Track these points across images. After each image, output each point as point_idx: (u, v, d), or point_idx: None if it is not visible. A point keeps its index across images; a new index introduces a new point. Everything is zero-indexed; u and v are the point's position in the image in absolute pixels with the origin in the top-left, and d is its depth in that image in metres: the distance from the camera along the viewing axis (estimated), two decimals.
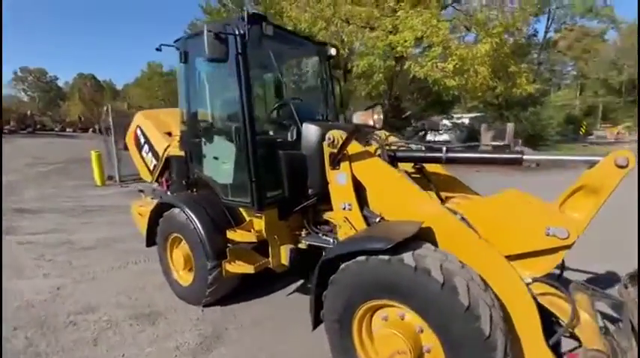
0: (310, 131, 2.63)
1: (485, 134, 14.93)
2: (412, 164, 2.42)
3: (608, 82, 47.25)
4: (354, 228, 2.19)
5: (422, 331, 1.60)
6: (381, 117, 1.70)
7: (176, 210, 2.86)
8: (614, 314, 1.97)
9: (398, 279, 1.55)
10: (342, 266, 1.75)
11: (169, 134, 3.32)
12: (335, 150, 2.19)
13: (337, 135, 2.17)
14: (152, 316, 2.79)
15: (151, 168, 3.53)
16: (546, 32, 20.35)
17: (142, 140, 3.59)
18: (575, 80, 42.71)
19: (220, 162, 2.76)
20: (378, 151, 2.25)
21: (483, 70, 12.14)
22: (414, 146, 2.31)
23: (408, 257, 1.54)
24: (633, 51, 48.14)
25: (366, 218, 2.18)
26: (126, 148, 9.38)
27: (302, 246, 2.77)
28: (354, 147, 2.14)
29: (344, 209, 2.25)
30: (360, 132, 2.17)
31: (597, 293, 2.04)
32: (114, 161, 9.38)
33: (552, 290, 1.92)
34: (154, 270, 3.48)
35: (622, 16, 18.53)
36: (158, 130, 3.49)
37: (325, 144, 2.24)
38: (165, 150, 3.32)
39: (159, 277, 3.29)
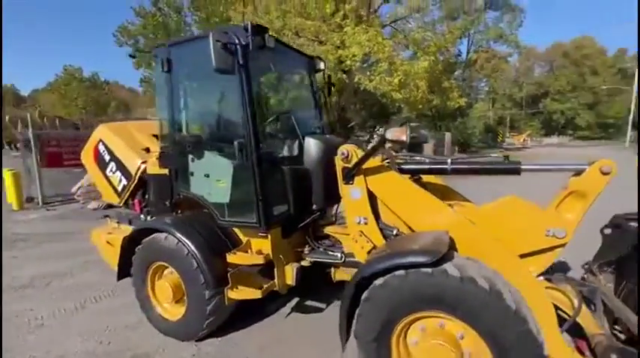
0: (313, 145, 2.60)
1: (428, 141, 16.32)
2: (409, 176, 2.53)
3: (512, 96, 55.76)
4: (371, 242, 2.21)
5: (462, 337, 1.67)
6: (410, 134, 1.75)
7: (161, 235, 2.54)
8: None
9: (443, 291, 1.60)
10: (379, 282, 1.74)
11: (147, 150, 2.95)
12: (349, 165, 2.19)
13: (352, 149, 2.18)
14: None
15: (119, 188, 3.09)
16: (468, 53, 23.28)
17: (107, 157, 3.12)
18: (488, 95, 49.11)
19: (213, 180, 2.55)
20: (387, 164, 2.31)
21: (422, 85, 13.36)
22: (418, 158, 2.40)
23: (450, 267, 1.60)
24: (530, 72, 57.64)
25: (381, 231, 2.21)
26: (50, 166, 8.13)
27: (305, 263, 2.69)
28: (370, 162, 2.17)
29: (359, 223, 2.25)
30: (384, 148, 2.20)
31: (575, 281, 2.35)
32: (36, 180, 8.02)
33: (549, 283, 2.18)
34: (123, 307, 3.05)
35: (524, 43, 22.21)
36: (128, 145, 3.08)
37: (339, 158, 2.23)
38: (140, 168, 2.95)
39: (131, 315, 2.88)
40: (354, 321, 1.84)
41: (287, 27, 12.87)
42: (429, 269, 1.62)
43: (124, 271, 2.81)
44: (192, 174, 2.63)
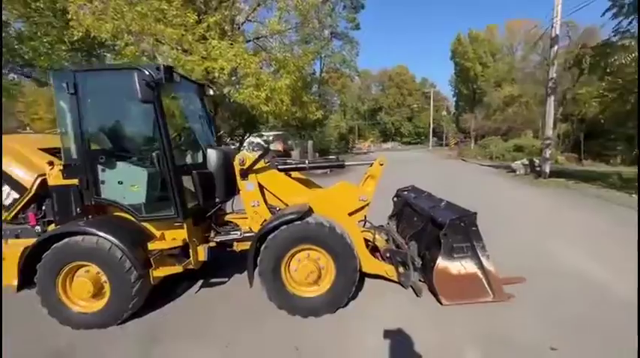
0: (213, 154, 3.50)
1: (295, 148, 18.54)
2: (284, 172, 3.78)
3: (357, 110, 67.17)
4: (264, 218, 3.32)
5: (319, 258, 3.00)
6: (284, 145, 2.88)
7: (77, 238, 2.89)
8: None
9: (306, 232, 2.88)
10: (271, 235, 2.88)
11: (51, 164, 3.07)
12: (244, 167, 3.25)
13: (245, 156, 3.24)
14: (70, 351, 2.69)
15: (7, 202, 3.05)
16: (321, 72, 27.33)
17: None
18: (340, 107, 57.44)
19: (127, 186, 3.10)
20: (269, 165, 3.47)
21: (286, 99, 15.29)
22: (289, 161, 3.67)
23: (309, 219, 2.91)
24: (369, 90, 70.58)
25: (269, 209, 3.36)
26: None
27: (212, 244, 3.54)
28: (258, 164, 3.28)
29: (254, 206, 3.33)
30: (267, 155, 3.32)
31: (377, 227, 4.11)
32: None
33: (363, 228, 3.83)
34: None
35: (361, 67, 27.99)
36: (18, 161, 3.09)
37: (237, 163, 3.24)
38: (36, 181, 3.06)
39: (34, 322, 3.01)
40: (258, 263, 2.91)
41: (146, 32, 12.30)
42: (298, 222, 2.88)
43: (25, 281, 2.93)
44: (103, 182, 3.07)
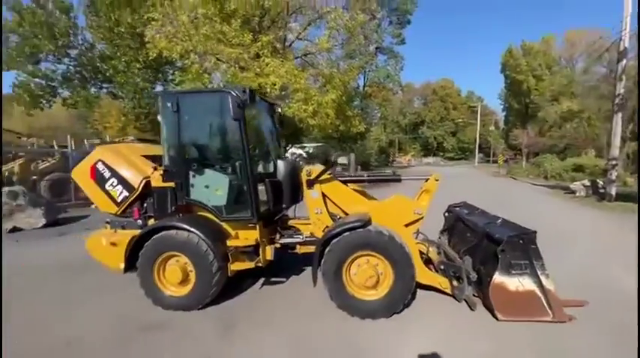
0: (283, 165, 3.94)
1: (338, 160, 19.04)
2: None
3: (398, 123, 66.41)
4: (325, 224, 3.66)
5: (377, 264, 3.25)
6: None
7: (171, 232, 3.44)
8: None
9: (368, 239, 3.16)
10: (335, 240, 3.20)
11: (155, 168, 3.73)
12: (311, 177, 3.64)
13: (312, 168, 3.64)
14: (164, 326, 3.20)
15: (119, 199, 3.74)
16: (364, 86, 27.75)
17: (107, 174, 3.73)
18: (380, 121, 57.14)
19: (212, 190, 3.62)
20: (331, 176, 3.82)
21: (331, 113, 15.86)
22: (347, 174, 4.01)
23: (370, 228, 3.19)
24: (410, 103, 69.64)
25: (331, 216, 3.70)
26: None
27: (277, 245, 3.94)
28: (323, 175, 3.65)
29: (317, 213, 3.69)
30: (332, 168, 3.70)
31: (430, 240, 4.25)
32: None
33: (417, 240, 4.01)
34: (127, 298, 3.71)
35: (405, 81, 27.94)
36: (129, 165, 3.79)
37: (304, 174, 3.64)
38: (142, 182, 3.72)
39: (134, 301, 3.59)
40: (322, 265, 3.23)
41: (209, 52, 13.65)
42: (361, 230, 3.16)
43: (130, 265, 3.53)
44: (192, 185, 3.63)
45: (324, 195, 3.72)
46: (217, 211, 3.59)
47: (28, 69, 20.10)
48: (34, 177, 10.67)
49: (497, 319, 3.10)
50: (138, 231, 3.57)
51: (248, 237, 3.65)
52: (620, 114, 10.87)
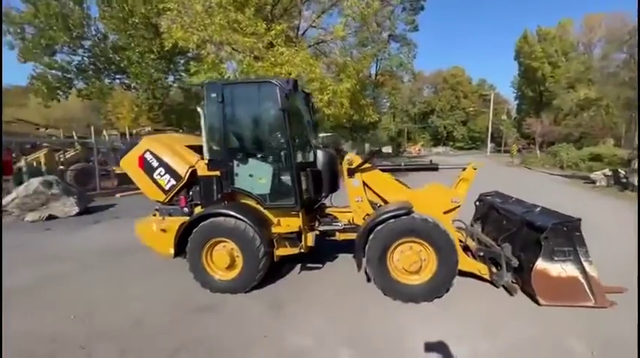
0: (322, 155, 4.03)
1: (350, 150, 19.02)
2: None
3: (408, 112, 65.57)
4: (366, 212, 3.76)
5: (420, 251, 3.35)
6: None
7: (220, 218, 3.59)
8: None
9: (412, 226, 3.25)
10: (379, 227, 3.30)
11: (201, 158, 3.87)
12: (352, 166, 3.72)
13: (353, 157, 3.72)
14: (216, 307, 3.38)
15: (166, 188, 3.89)
16: (376, 75, 27.45)
17: (155, 163, 3.88)
18: (389, 109, 56.46)
19: (256, 178, 3.74)
20: (371, 165, 3.90)
21: (345, 102, 15.81)
22: (385, 162, 4.07)
23: (415, 215, 3.28)
24: (420, 92, 68.50)
25: (371, 204, 3.80)
26: None
27: (316, 232, 4.06)
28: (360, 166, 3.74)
29: (357, 201, 3.79)
30: (374, 157, 3.79)
31: (466, 227, 4.32)
32: None
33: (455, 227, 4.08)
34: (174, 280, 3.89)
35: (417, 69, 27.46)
36: (175, 154, 3.93)
37: (345, 162, 3.73)
38: (188, 171, 3.85)
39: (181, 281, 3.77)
40: (366, 251, 3.34)
41: (226, 41, 13.64)
42: (405, 217, 3.26)
43: (179, 250, 3.70)
44: (237, 174, 3.75)
45: (364, 184, 3.80)
46: (262, 199, 3.71)
47: (45, 60, 20.35)
48: (62, 167, 10.98)
49: (538, 304, 3.19)
50: (185, 218, 3.73)
51: (290, 224, 3.78)
52: None
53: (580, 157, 20.21)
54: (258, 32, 14.79)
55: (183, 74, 22.90)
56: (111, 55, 21.68)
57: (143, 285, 3.93)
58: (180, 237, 3.66)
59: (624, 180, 11.36)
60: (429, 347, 2.66)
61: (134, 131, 16.43)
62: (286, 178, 3.65)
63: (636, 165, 10.76)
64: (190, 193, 3.97)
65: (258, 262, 3.56)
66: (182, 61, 22.28)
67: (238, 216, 3.53)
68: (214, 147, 3.76)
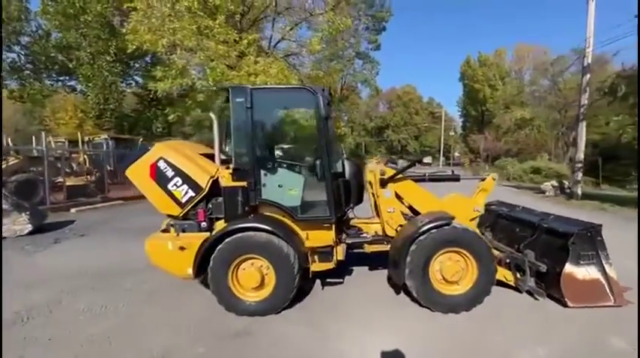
0: (349, 165, 3.94)
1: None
2: None
3: (365, 126, 68.24)
4: (398, 223, 3.71)
5: (459, 259, 3.38)
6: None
7: (250, 233, 3.28)
8: None
9: (454, 236, 3.28)
10: (422, 237, 3.27)
11: (227, 167, 3.50)
12: (384, 177, 3.68)
13: (385, 168, 3.69)
14: (252, 332, 3.03)
15: (183, 200, 3.45)
16: (341, 90, 28.26)
17: (170, 173, 3.42)
18: (348, 123, 58.12)
19: (286, 189, 3.52)
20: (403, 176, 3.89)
21: None
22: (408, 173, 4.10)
23: (455, 225, 3.31)
24: (376, 107, 71.88)
25: (403, 215, 3.77)
26: None
27: (344, 245, 3.91)
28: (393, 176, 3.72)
29: (390, 212, 3.74)
30: (409, 169, 3.78)
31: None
32: None
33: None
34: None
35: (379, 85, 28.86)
36: (194, 163, 3.52)
37: (377, 173, 3.68)
38: (209, 181, 3.48)
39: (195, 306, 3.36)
40: (407, 261, 3.27)
41: (198, 47, 13.01)
42: (447, 227, 3.28)
43: (201, 269, 3.30)
44: (264, 185, 3.48)
45: (396, 195, 3.78)
46: (292, 211, 3.48)
47: None
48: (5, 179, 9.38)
49: (566, 306, 3.38)
50: (205, 234, 3.35)
51: (322, 237, 3.59)
52: (584, 123, 12.28)
53: (523, 170, 22.58)
54: (229, 40, 14.43)
55: (139, 79, 21.37)
56: (54, 54, 19.46)
57: (153, 313, 3.42)
58: (203, 255, 3.27)
59: (568, 191, 12.88)
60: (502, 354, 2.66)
61: (87, 138, 14.72)
62: (321, 189, 3.48)
63: (579, 177, 12.28)
64: (209, 206, 3.59)
65: (293, 280, 3.31)
66: (140, 65, 20.79)
67: (271, 229, 3.27)
68: (242, 156, 3.46)
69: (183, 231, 3.57)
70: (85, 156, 13.34)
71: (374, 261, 4.47)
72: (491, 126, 44.47)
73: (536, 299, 3.61)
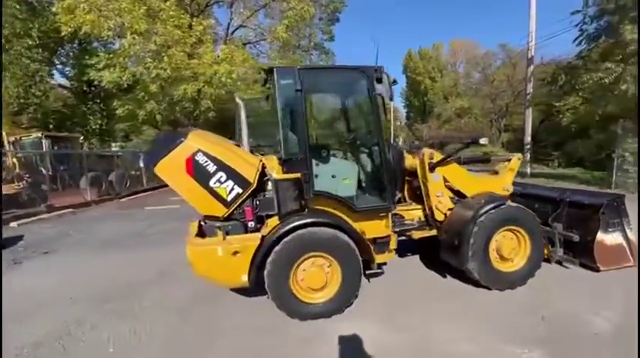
0: (395, 151, 3.80)
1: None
2: None
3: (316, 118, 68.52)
4: (447, 207, 3.69)
5: (512, 238, 3.47)
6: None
7: (314, 229, 2.97)
8: None
9: (513, 214, 3.36)
10: (482, 218, 3.29)
11: (279, 159, 3.06)
12: (433, 161, 3.61)
13: (434, 153, 3.62)
14: (323, 334, 2.75)
15: (229, 198, 2.96)
16: None
17: (211, 167, 2.89)
18: None
19: (339, 179, 3.27)
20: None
21: None
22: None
23: (509, 203, 3.40)
24: None
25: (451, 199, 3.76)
26: None
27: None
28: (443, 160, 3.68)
29: (438, 196, 3.69)
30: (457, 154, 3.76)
31: None
32: None
33: None
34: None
35: None
36: (236, 154, 3.03)
37: (427, 157, 3.59)
38: (256, 175, 3.04)
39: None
40: (471, 243, 3.27)
41: (152, 31, 11.57)
42: (504, 206, 3.34)
43: (256, 275, 2.92)
44: (317, 176, 3.18)
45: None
46: (350, 202, 3.24)
47: None
48: None
49: (598, 271, 3.70)
50: (254, 235, 2.96)
51: (378, 227, 3.41)
52: (530, 109, 13.76)
53: (473, 154, 24.72)
54: (183, 25, 13.18)
55: (69, 68, 18.46)
56: None
57: (198, 330, 2.93)
58: (262, 258, 2.88)
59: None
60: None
61: (13, 138, 12.29)
62: (377, 176, 3.29)
63: (527, 157, 13.77)
64: (256, 203, 3.16)
65: (359, 275, 3.10)
66: (71, 52, 17.93)
67: (335, 223, 3.00)
68: (293, 145, 3.10)
69: (227, 233, 3.10)
70: (14, 160, 11.15)
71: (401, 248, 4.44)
72: (433, 116, 47.85)
73: (566, 267, 3.90)
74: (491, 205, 3.34)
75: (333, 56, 27.25)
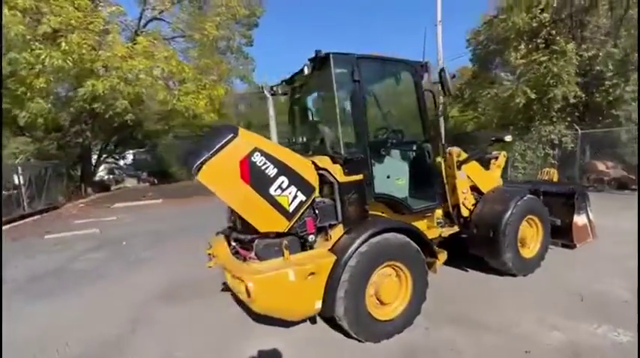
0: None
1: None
2: None
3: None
4: (471, 202, 3.83)
5: (533, 224, 3.82)
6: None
7: (386, 236, 2.65)
8: None
9: (532, 206, 3.70)
10: (515, 209, 3.51)
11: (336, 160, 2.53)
12: (460, 159, 3.71)
13: (461, 151, 3.73)
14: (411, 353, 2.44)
15: (291, 208, 2.34)
16: None
17: (272, 170, 2.22)
18: None
19: (393, 180, 3.06)
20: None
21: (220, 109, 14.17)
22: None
23: (530, 195, 3.73)
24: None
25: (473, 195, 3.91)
26: None
27: None
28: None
29: (464, 193, 3.79)
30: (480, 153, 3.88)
31: None
32: None
33: None
34: None
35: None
36: (298, 159, 2.42)
37: (455, 156, 3.66)
38: (317, 179, 2.52)
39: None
40: (506, 234, 3.44)
41: (49, 10, 8.95)
42: (526, 198, 3.65)
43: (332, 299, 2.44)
44: (374, 176, 2.89)
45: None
46: (406, 203, 3.04)
47: None
48: None
49: (575, 247, 4.39)
50: (316, 251, 2.50)
51: (429, 228, 3.31)
52: (441, 119, 15.89)
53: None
54: (83, 8, 10.82)
55: None
56: None
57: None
58: (338, 278, 2.41)
59: None
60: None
61: None
62: (425, 174, 3.18)
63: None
64: (316, 211, 2.63)
65: (426, 281, 2.89)
66: None
67: (406, 228, 2.76)
68: (352, 143, 2.73)
69: (283, 253, 2.50)
70: None
71: None
72: None
73: (570, 248, 4.47)
74: (518, 197, 3.60)
75: (252, 61, 26.46)
